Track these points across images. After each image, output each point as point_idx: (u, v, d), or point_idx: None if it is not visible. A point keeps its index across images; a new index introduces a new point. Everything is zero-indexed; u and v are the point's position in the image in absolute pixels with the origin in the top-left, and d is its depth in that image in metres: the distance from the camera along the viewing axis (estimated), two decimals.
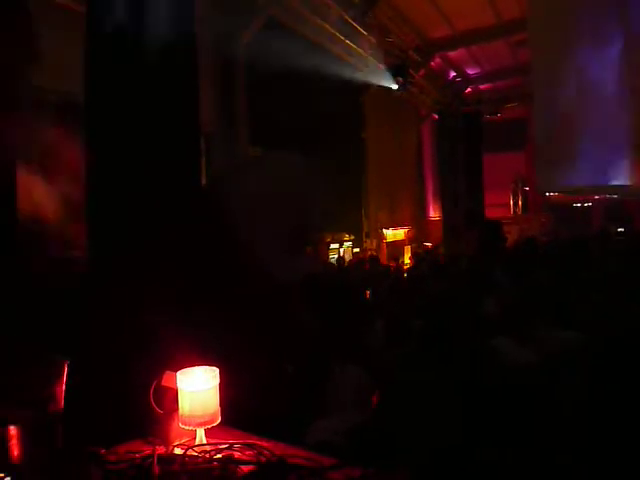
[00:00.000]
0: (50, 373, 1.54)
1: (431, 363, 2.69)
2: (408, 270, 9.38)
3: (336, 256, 11.37)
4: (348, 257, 11.78)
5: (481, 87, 16.09)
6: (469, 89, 15.96)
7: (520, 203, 18.70)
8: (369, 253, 12.21)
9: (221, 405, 1.77)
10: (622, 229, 14.61)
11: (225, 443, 1.71)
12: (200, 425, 1.71)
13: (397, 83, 10.98)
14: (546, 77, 8.53)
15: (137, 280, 1.98)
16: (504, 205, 18.28)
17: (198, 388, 1.71)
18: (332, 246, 11.63)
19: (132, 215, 2.23)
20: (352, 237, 12.42)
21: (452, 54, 13.98)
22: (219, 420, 1.74)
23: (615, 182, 8.27)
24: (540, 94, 8.82)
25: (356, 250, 12.47)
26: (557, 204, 16.70)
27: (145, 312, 1.93)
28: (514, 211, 18.71)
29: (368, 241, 13.32)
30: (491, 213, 15.19)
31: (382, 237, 13.79)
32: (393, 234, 14.28)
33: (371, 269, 8.50)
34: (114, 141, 2.30)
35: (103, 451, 1.74)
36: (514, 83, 14.85)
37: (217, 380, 1.75)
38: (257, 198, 4.75)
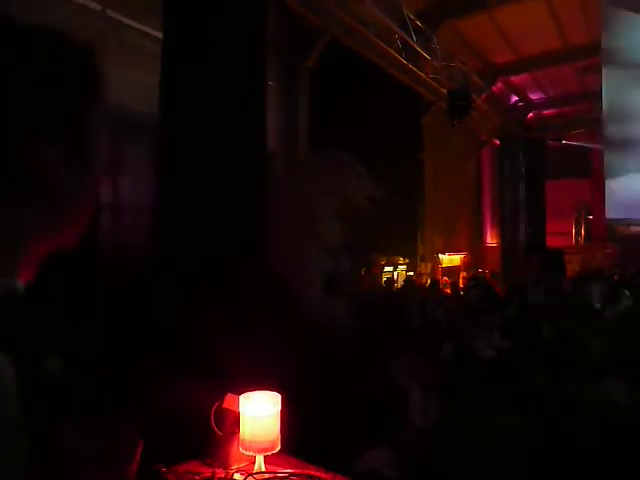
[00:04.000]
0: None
1: (506, 404, 2.56)
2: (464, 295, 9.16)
3: (386, 278, 11.26)
4: (401, 281, 11.64)
5: (545, 112, 15.74)
6: (532, 114, 15.63)
7: (583, 232, 18.03)
8: (424, 277, 12.03)
9: (282, 432, 1.75)
10: None
11: (284, 472, 1.69)
12: (260, 451, 1.70)
13: (458, 107, 10.87)
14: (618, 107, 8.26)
15: (202, 303, 2.01)
16: (566, 234, 17.67)
17: (260, 413, 1.70)
18: (386, 269, 11.52)
19: (197, 237, 2.27)
20: (406, 261, 12.27)
21: (515, 79, 13.76)
22: (279, 447, 1.73)
23: None
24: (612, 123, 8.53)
25: (410, 274, 12.30)
26: (623, 235, 16.01)
27: (210, 334, 1.94)
28: (576, 240, 18.05)
29: (422, 265, 13.12)
30: (552, 241, 14.72)
31: (438, 262, 13.55)
32: (449, 259, 14.02)
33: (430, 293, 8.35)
34: (187, 157, 2.36)
35: (164, 469, 1.75)
36: (579, 109, 14.45)
37: (279, 406, 1.73)
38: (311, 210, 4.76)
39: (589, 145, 15.22)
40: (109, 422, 1.69)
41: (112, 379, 1.73)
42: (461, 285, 12.26)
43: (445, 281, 12.03)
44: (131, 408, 1.61)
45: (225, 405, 1.86)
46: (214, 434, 1.86)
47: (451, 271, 13.79)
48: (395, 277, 11.77)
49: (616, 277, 10.08)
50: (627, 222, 11.08)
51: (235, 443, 1.79)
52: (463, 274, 13.92)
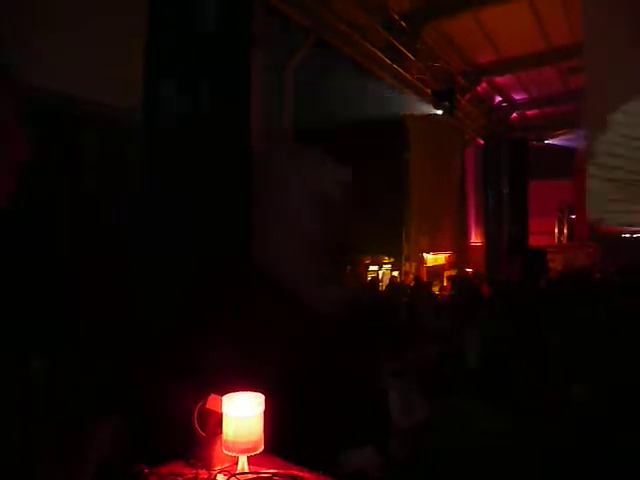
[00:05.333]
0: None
1: (498, 411, 2.58)
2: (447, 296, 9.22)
3: (371, 277, 11.29)
4: (386, 280, 11.68)
5: (528, 113, 15.89)
6: (515, 115, 15.77)
7: (565, 231, 18.24)
8: (410, 276, 12.07)
9: (265, 432, 1.75)
10: None
11: (267, 473, 1.70)
12: (243, 452, 1.70)
13: (443, 108, 10.93)
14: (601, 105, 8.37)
15: (185, 304, 2.01)
16: (549, 233, 17.86)
17: (243, 414, 1.70)
18: (371, 268, 11.55)
19: (181, 238, 2.27)
20: (391, 260, 12.31)
21: (499, 79, 13.87)
22: (262, 448, 1.73)
23: None
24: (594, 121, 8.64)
25: (395, 273, 12.34)
26: (604, 234, 16.21)
27: (194, 334, 1.94)
28: (559, 239, 18.25)
29: (407, 264, 13.17)
30: (535, 240, 14.87)
31: (422, 261, 13.61)
32: (434, 258, 14.09)
33: (413, 291, 8.39)
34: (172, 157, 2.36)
35: (146, 470, 1.75)
36: (562, 110, 14.61)
37: (262, 407, 1.74)
38: (297, 210, 4.78)
39: (572, 145, 15.42)
40: (91, 423, 1.69)
41: (95, 380, 1.73)
42: (445, 284, 12.35)
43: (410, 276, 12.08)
44: (114, 410, 1.61)
45: (208, 406, 1.86)
46: (197, 435, 1.86)
47: (436, 270, 13.86)
48: (380, 276, 11.80)
49: (598, 275, 10.23)
50: (607, 222, 11.24)
51: (218, 444, 1.79)
52: (448, 273, 14.00)
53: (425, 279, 12.10)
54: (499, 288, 7.45)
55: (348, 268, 9.92)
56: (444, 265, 14.53)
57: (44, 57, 3.16)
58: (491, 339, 4.11)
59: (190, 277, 2.16)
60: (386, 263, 12.14)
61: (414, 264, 13.36)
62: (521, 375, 3.19)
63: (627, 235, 16.54)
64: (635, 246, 15.92)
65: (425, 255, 13.76)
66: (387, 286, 10.46)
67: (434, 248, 14.17)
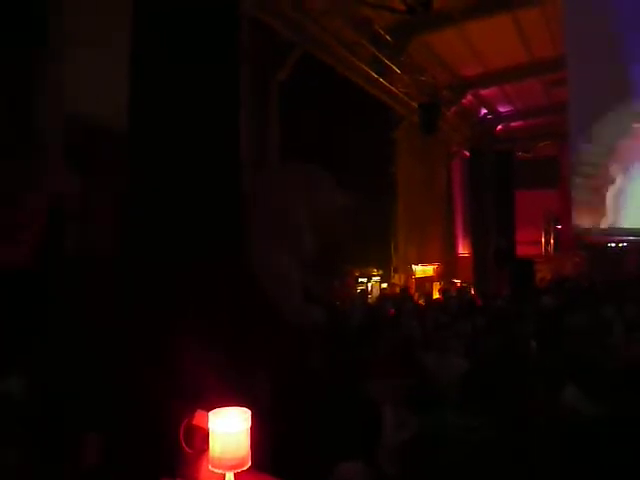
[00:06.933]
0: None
1: (480, 415, 2.58)
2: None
3: (360, 289, 11.30)
4: (375, 292, 11.68)
5: (513, 125, 16.07)
6: (500, 127, 15.94)
7: (552, 241, 18.37)
8: (398, 288, 12.09)
9: (252, 448, 1.73)
10: None
11: None
12: (230, 469, 1.68)
13: (428, 121, 11.02)
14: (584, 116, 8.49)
15: (172, 319, 1.99)
16: (535, 243, 17.97)
17: (230, 430, 1.68)
18: (360, 280, 11.56)
19: (168, 250, 2.25)
20: (380, 272, 12.33)
21: (484, 92, 14.03)
22: (249, 464, 1.71)
23: None
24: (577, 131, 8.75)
25: (384, 285, 12.36)
26: (590, 244, 16.37)
27: (179, 350, 1.93)
28: (545, 249, 18.37)
29: (396, 276, 13.20)
30: (522, 251, 14.94)
31: (411, 273, 13.65)
32: (422, 270, 14.13)
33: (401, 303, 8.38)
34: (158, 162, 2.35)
35: None
36: (547, 121, 14.78)
37: (249, 423, 1.72)
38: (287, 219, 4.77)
39: (556, 156, 15.60)
40: (77, 441, 1.67)
41: (78, 397, 1.70)
42: (435, 296, 12.36)
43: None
44: (90, 429, 1.59)
45: (195, 422, 1.84)
46: (184, 451, 1.84)
47: (425, 281, 13.90)
48: (369, 288, 11.81)
49: (587, 284, 10.32)
50: (592, 231, 11.36)
51: (205, 460, 1.77)
52: (436, 284, 14.04)
53: (414, 290, 12.13)
54: (489, 299, 7.48)
55: (337, 282, 9.92)
56: (433, 276, 14.57)
57: None
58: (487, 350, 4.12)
59: (177, 292, 2.14)
60: (375, 275, 12.15)
61: (403, 276, 13.39)
62: (511, 386, 3.20)
63: (612, 244, 16.74)
64: (620, 255, 16.10)
65: (414, 267, 13.80)
66: (377, 298, 10.46)
67: (422, 259, 14.22)
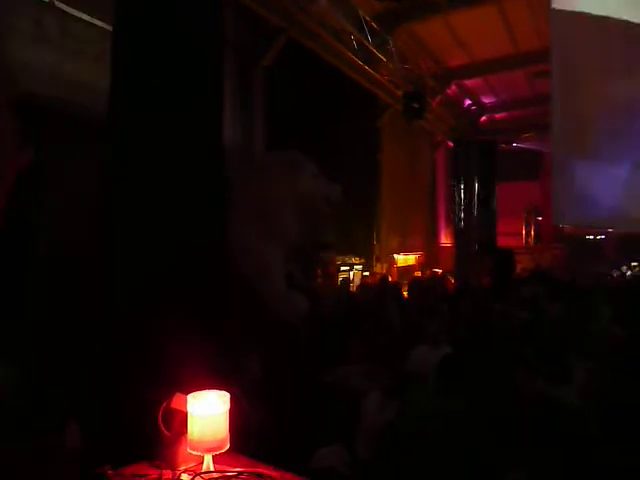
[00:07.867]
0: None
1: (460, 399, 2.62)
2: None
3: (342, 278, 11.33)
4: (357, 280, 11.73)
5: (497, 116, 16.14)
6: (485, 118, 16.01)
7: (533, 233, 18.58)
8: (378, 276, 12.14)
9: (230, 431, 1.74)
10: (636, 263, 14.51)
11: (233, 471, 1.68)
12: (209, 451, 1.69)
13: (413, 110, 11.02)
14: (566, 108, 8.53)
15: (150, 301, 1.98)
16: (516, 234, 18.16)
17: (209, 413, 1.69)
18: (342, 269, 11.59)
19: (149, 236, 2.24)
20: (362, 261, 12.38)
21: (468, 82, 14.06)
22: (228, 446, 1.72)
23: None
24: (559, 123, 8.79)
25: (366, 274, 12.41)
26: (569, 236, 16.60)
27: (158, 333, 1.92)
28: (526, 241, 18.58)
29: (378, 265, 13.26)
30: (503, 242, 15.09)
31: (393, 262, 13.72)
32: (404, 259, 14.22)
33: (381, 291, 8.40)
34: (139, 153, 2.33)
35: (110, 472, 1.72)
36: (530, 113, 14.87)
37: (228, 405, 1.72)
38: (269, 206, 4.75)
39: (539, 148, 15.72)
40: (54, 425, 1.66)
41: (55, 381, 1.69)
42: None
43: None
44: (77, 410, 1.58)
45: (173, 405, 1.84)
46: (162, 435, 1.84)
47: (406, 270, 13.98)
48: (351, 277, 11.85)
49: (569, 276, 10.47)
50: (572, 223, 11.49)
51: (183, 444, 1.77)
52: (417, 273, 14.14)
53: (395, 279, 12.18)
54: (468, 288, 7.55)
55: (320, 269, 9.94)
56: (414, 265, 14.67)
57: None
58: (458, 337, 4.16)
59: (156, 274, 2.13)
60: (357, 264, 12.20)
61: (385, 265, 13.46)
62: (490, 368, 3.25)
63: (590, 237, 17.00)
64: (597, 247, 16.38)
65: (396, 256, 13.87)
66: (358, 287, 10.49)
67: (404, 249, 14.30)
